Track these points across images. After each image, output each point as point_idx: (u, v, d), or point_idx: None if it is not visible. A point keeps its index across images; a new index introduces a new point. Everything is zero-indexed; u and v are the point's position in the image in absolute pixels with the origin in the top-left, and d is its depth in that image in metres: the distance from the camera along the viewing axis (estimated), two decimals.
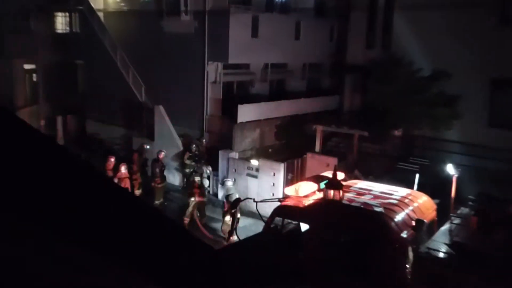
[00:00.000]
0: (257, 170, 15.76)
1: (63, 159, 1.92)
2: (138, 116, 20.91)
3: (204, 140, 18.26)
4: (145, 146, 18.03)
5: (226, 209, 12.33)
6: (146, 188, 16.39)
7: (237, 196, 13.09)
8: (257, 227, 13.72)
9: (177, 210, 15.62)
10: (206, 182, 14.85)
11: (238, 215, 11.67)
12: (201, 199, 14.23)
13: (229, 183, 12.85)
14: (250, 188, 15.89)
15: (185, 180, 17.20)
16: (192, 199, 14.20)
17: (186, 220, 14.06)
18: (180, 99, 19.84)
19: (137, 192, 16.36)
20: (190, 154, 17.08)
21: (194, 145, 17.19)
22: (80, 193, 1.84)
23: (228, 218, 12.21)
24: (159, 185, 15.92)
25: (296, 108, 20.34)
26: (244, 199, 8.67)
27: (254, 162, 15.90)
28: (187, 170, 16.84)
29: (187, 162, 16.95)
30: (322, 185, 8.41)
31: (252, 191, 15.76)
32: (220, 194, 15.16)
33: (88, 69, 23.29)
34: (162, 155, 16.39)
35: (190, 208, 14.18)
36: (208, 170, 14.94)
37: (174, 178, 18.04)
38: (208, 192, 14.80)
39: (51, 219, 1.71)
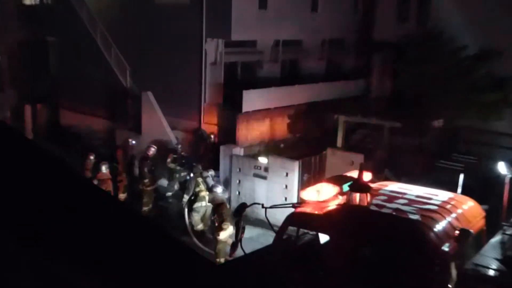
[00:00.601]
0: (266, 169, 15.77)
1: (32, 157, 1.91)
2: (122, 105, 20.96)
3: (212, 136, 18.27)
4: (130, 141, 18.10)
5: (218, 224, 12.38)
6: (132, 191, 16.45)
7: (227, 204, 13.17)
8: (266, 238, 13.72)
9: (171, 218, 15.64)
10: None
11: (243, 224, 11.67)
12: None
13: (219, 189, 12.80)
14: (258, 192, 15.91)
15: (178, 184, 17.24)
16: (201, 204, 14.28)
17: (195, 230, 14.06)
18: (173, 85, 19.86)
19: (122, 196, 16.39)
20: (175, 156, 16.99)
21: (179, 145, 17.13)
22: (53, 199, 1.82)
23: (225, 234, 12.23)
24: (148, 188, 15.95)
25: (314, 94, 20.31)
26: (251, 204, 8.65)
27: (263, 160, 15.91)
28: (177, 175, 16.85)
29: (171, 166, 16.84)
30: (346, 187, 8.38)
31: (260, 195, 15.77)
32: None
33: (61, 48, 23.33)
34: (151, 151, 16.42)
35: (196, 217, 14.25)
36: (210, 173, 14.89)
37: (167, 180, 18.12)
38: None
39: (18, 228, 1.71)
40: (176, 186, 17.02)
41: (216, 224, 12.56)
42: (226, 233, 12.35)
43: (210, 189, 13.63)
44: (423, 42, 18.80)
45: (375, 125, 17.51)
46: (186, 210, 14.33)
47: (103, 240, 1.83)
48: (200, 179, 14.58)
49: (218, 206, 12.65)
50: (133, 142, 18.08)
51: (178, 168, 16.80)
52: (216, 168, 16.51)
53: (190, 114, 19.67)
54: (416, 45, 18.67)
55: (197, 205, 14.42)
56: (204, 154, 17.73)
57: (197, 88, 19.55)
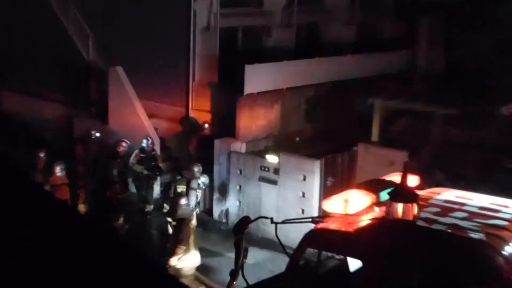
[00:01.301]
0: (276, 171, 15.77)
1: None
2: (82, 85, 20.95)
3: (206, 126, 18.23)
4: (93, 133, 18.07)
5: (172, 244, 12.61)
6: (97, 201, 16.46)
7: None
8: (277, 264, 13.68)
9: (149, 236, 15.65)
10: (196, 195, 14.75)
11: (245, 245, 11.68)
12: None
13: (182, 201, 12.92)
14: (265, 202, 15.91)
15: (161, 191, 17.21)
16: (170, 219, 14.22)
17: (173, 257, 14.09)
18: (151, 58, 19.84)
19: (82, 207, 16.41)
20: (143, 155, 16.86)
21: (149, 140, 16.91)
22: None
23: (175, 260, 12.35)
24: (119, 197, 16.01)
25: (340, 70, 20.27)
26: (256, 219, 8.62)
27: (272, 159, 15.88)
28: (154, 182, 16.81)
29: (136, 168, 16.67)
30: (384, 195, 8.36)
31: (268, 205, 15.76)
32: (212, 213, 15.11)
33: (1, 10, 23.33)
34: (122, 148, 16.41)
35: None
36: (202, 181, 14.84)
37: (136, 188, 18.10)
38: (196, 207, 14.76)
39: None
40: (156, 194, 17.02)
41: (169, 245, 12.83)
42: (181, 261, 12.49)
43: (173, 199, 13.85)
44: (486, 1, 18.71)
45: (422, 112, 17.42)
46: (169, 226, 14.33)
47: (57, 271, 1.81)
48: (180, 186, 14.56)
49: (178, 222, 12.91)
50: (97, 134, 18.06)
51: (144, 171, 16.66)
52: (209, 170, 16.49)
53: (174, 98, 19.65)
54: (478, 5, 18.59)
55: None
56: (197, 151, 17.68)
57: (183, 63, 19.52)
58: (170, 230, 14.24)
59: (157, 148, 18.11)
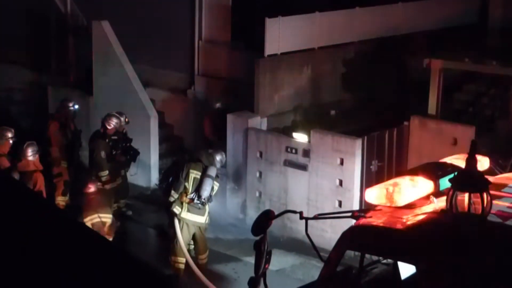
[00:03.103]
0: (306, 153, 15.81)
1: None
2: (58, 45, 20.97)
3: (218, 105, 18.22)
4: (71, 105, 18.01)
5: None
6: (78, 192, 16.61)
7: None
8: (308, 271, 13.76)
9: (147, 237, 15.77)
10: (212, 186, 14.78)
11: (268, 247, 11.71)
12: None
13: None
14: (293, 191, 15.99)
15: (159, 180, 17.33)
16: (177, 210, 14.39)
17: (177, 262, 14.44)
18: (146, 10, 19.85)
19: (61, 200, 16.52)
20: (114, 137, 16.72)
21: (114, 118, 16.68)
22: None
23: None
24: (107, 186, 16.15)
25: (387, 23, 20.21)
26: (281, 213, 8.65)
27: (301, 138, 15.94)
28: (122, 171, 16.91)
29: (99, 158, 16.47)
30: (444, 183, 8.33)
31: (296, 197, 15.85)
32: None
33: None
34: (112, 124, 16.45)
35: (178, 235, 14.42)
36: (219, 158, 14.85)
37: (142, 172, 18.26)
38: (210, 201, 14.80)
39: None
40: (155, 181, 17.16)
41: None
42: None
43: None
44: None
45: (496, 75, 17.34)
46: (176, 219, 14.46)
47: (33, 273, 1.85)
48: (194, 171, 14.55)
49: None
50: (76, 106, 17.98)
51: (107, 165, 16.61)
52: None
53: (176, 61, 19.67)
54: None
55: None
56: (210, 131, 17.74)
57: (186, 16, 19.52)
58: (177, 226, 14.39)
59: (155, 125, 18.18)
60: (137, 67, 19.10)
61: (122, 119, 16.62)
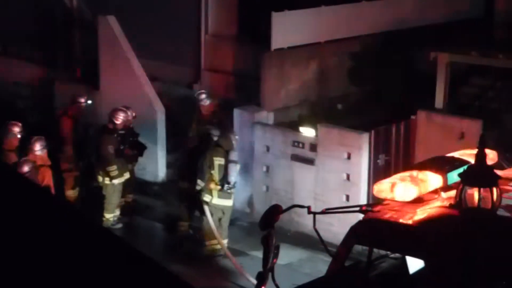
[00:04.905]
0: (313, 148, 15.81)
1: None
2: (65, 40, 20.98)
3: (203, 97, 18.12)
4: (83, 100, 17.98)
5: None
6: (88, 187, 16.59)
7: None
8: (315, 265, 13.73)
9: (154, 232, 15.78)
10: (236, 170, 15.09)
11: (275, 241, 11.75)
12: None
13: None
14: (300, 185, 16.00)
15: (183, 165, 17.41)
16: (208, 198, 14.74)
17: (213, 244, 15.02)
18: (151, 4, 19.86)
19: (70, 194, 16.55)
20: (122, 132, 16.58)
21: (121, 112, 16.61)
22: None
23: None
24: (115, 182, 16.17)
25: (394, 16, 20.17)
26: (288, 208, 8.64)
27: (308, 132, 15.95)
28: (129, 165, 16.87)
29: (107, 153, 16.34)
30: (453, 177, 8.36)
31: (303, 191, 15.86)
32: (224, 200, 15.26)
33: None
34: (120, 119, 16.43)
35: (209, 221, 14.80)
36: (235, 142, 15.13)
37: (151, 165, 18.29)
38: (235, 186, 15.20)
39: None
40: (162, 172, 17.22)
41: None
42: None
43: None
44: None
45: (503, 69, 17.32)
46: (206, 207, 14.85)
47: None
48: (217, 158, 14.74)
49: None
50: (89, 101, 18.04)
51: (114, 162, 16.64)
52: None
53: (183, 55, 19.66)
54: None
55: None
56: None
57: (192, 10, 19.51)
58: (208, 213, 14.75)
59: (161, 119, 18.17)
60: (144, 61, 19.09)
61: (129, 113, 16.63)
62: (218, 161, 14.76)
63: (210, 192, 14.77)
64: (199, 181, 14.85)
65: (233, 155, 14.88)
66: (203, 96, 17.51)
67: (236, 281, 14.17)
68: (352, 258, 8.94)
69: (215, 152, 14.89)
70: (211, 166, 14.75)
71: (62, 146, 16.83)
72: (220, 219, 14.92)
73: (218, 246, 14.89)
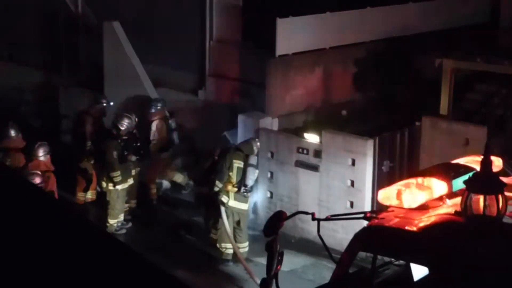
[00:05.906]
0: (317, 154, 15.80)
1: None
2: (69, 45, 20.99)
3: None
4: (104, 102, 17.97)
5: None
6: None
7: None
8: (319, 272, 13.72)
9: (158, 238, 15.77)
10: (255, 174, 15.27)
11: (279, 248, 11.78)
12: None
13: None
14: (304, 192, 15.98)
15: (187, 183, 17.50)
16: (225, 199, 14.87)
17: (226, 248, 15.05)
18: (156, 10, 19.85)
19: (81, 196, 16.97)
20: (125, 137, 16.62)
21: (126, 118, 16.61)
22: None
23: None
24: (119, 187, 16.21)
25: (399, 22, 20.16)
26: (293, 214, 8.64)
27: (312, 138, 15.94)
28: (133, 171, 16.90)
29: (111, 158, 16.29)
30: (458, 184, 8.34)
31: (307, 197, 15.84)
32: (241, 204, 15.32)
33: None
34: (125, 125, 16.46)
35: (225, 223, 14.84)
36: (256, 148, 15.38)
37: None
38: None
39: None
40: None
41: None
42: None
43: None
44: None
45: (508, 75, 17.27)
46: (222, 208, 14.94)
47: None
48: (237, 161, 14.93)
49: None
50: (111, 103, 18.11)
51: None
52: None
53: (187, 61, 19.67)
54: None
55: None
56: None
57: (197, 15, 19.51)
58: (224, 215, 14.87)
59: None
60: (148, 67, 19.11)
61: (133, 118, 16.67)
62: (237, 163, 14.98)
63: (227, 193, 14.94)
64: (217, 182, 14.99)
65: (253, 160, 15.14)
66: None
67: (243, 286, 14.19)
68: (356, 264, 8.92)
69: (235, 155, 15.12)
70: (230, 168, 14.96)
71: (82, 144, 17.01)
72: (238, 223, 15.02)
73: (230, 251, 14.92)
